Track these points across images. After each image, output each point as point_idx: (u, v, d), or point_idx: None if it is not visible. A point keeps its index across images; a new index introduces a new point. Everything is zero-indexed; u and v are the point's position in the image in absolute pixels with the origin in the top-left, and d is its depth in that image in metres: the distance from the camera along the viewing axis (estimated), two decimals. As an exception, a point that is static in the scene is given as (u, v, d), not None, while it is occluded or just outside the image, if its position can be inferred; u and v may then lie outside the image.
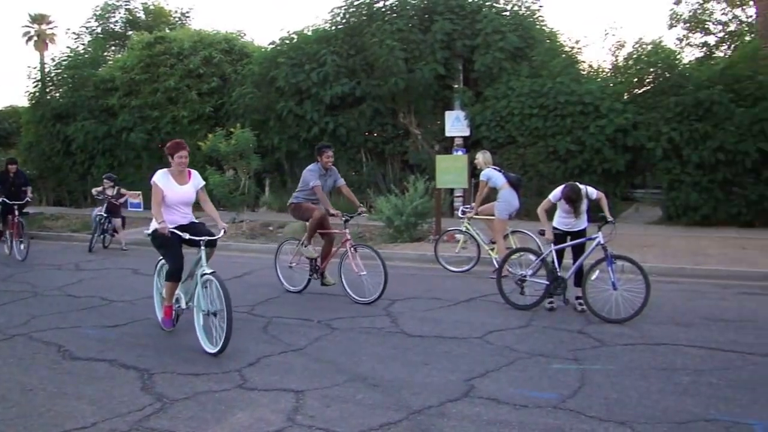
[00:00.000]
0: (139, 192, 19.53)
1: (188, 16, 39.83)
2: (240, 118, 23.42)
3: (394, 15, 21.75)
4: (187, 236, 7.85)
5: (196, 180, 8.31)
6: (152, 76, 25.87)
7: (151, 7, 38.28)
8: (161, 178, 8.01)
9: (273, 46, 24.21)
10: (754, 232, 16.73)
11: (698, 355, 7.31)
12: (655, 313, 8.87)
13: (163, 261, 8.43)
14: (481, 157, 12.33)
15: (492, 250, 12.00)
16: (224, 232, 8.04)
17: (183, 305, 8.21)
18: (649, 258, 12.56)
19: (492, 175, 11.82)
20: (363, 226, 17.33)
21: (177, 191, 8.05)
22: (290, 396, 6.13)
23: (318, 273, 10.66)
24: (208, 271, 7.59)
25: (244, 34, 29.50)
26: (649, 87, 19.81)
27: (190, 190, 8.19)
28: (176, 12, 39.55)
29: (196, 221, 8.23)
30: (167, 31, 31.65)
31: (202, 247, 7.78)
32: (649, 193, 20.07)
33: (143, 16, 38.09)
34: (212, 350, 7.37)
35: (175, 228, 7.80)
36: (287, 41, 23.77)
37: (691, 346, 7.63)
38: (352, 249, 10.07)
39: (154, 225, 7.87)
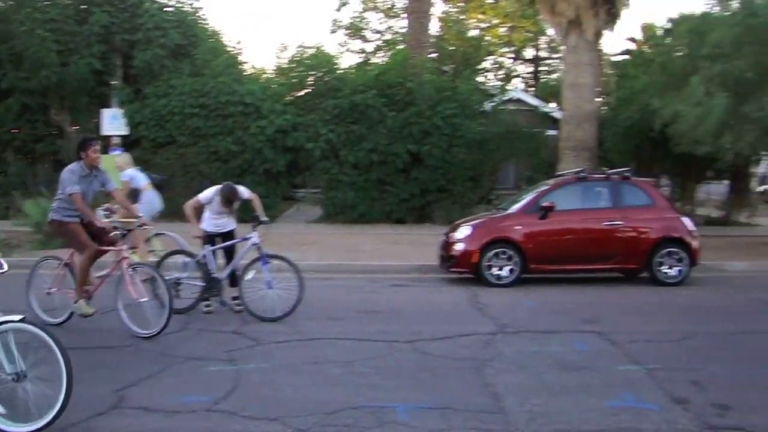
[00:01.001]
0: None
1: None
2: None
3: (47, 3, 20.37)
4: None
5: None
6: None
7: None
8: None
9: None
10: (405, 228, 17.96)
11: (349, 346, 7.55)
12: (310, 309, 9.00)
13: None
14: (121, 159, 12.02)
15: (134, 253, 11.52)
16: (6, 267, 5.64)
17: None
18: (308, 256, 12.85)
19: (134, 175, 11.47)
20: (8, 232, 15.82)
21: None
22: None
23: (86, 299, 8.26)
24: (14, 317, 5.22)
25: None
26: (309, 90, 20.35)
27: None
28: None
29: None
30: None
31: None
32: (310, 192, 20.67)
33: None
34: (25, 429, 5.08)
35: None
36: None
37: (343, 338, 7.86)
38: (130, 270, 8.06)
39: None
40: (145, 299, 7.92)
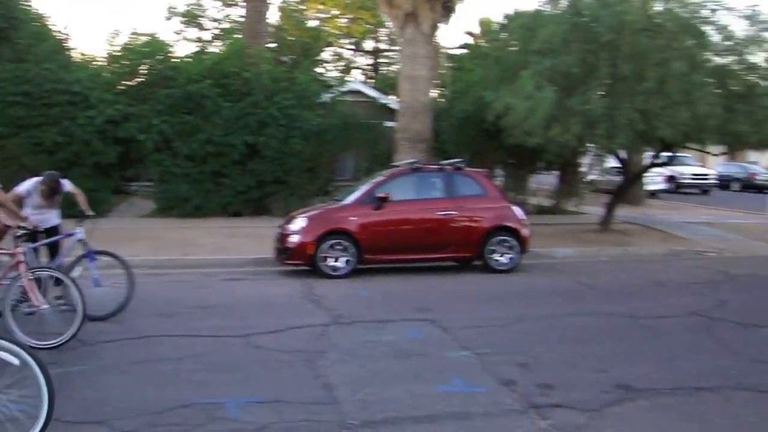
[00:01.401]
0: None
1: None
2: None
3: None
4: None
5: None
6: None
7: None
8: None
9: None
10: (242, 220, 17.74)
11: (180, 343, 7.37)
12: (140, 306, 8.67)
13: None
14: None
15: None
16: None
17: None
18: (140, 251, 12.42)
19: None
20: None
21: None
22: None
23: None
24: None
25: None
26: (142, 79, 19.65)
27: None
28: None
29: None
30: None
31: None
32: (143, 186, 20.02)
33: None
34: None
35: None
36: None
37: (174, 335, 7.67)
38: (29, 275, 7.22)
39: None
40: (46, 306, 7.22)
